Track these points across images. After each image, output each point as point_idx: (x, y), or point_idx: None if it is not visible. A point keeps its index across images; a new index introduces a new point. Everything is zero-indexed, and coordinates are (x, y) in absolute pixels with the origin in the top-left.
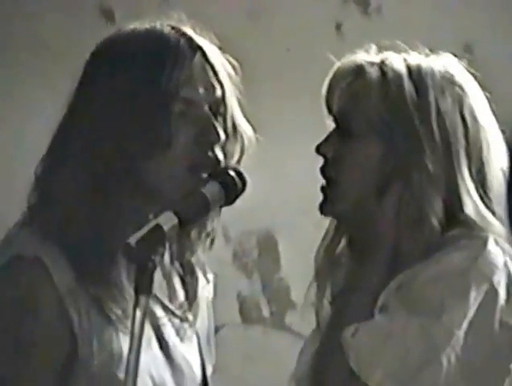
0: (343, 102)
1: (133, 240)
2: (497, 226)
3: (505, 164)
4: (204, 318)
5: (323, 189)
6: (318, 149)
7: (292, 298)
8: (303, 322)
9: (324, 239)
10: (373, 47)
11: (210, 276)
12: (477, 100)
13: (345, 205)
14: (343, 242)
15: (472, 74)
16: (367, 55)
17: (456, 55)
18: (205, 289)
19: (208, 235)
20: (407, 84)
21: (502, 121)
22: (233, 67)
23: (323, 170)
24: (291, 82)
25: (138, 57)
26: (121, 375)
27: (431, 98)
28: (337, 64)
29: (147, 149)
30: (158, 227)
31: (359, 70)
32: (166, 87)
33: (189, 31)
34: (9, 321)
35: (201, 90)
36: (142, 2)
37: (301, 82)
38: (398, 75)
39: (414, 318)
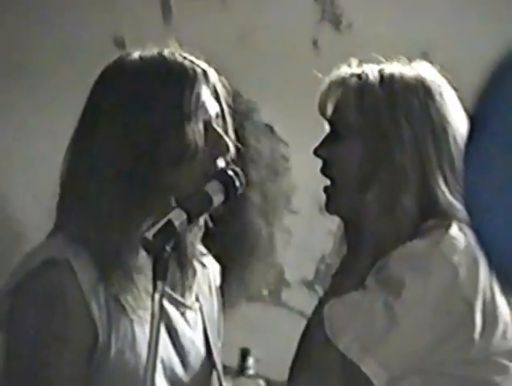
0: (331, 109)
1: (149, 234)
2: (462, 211)
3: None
4: (211, 302)
5: (325, 189)
6: (315, 152)
7: (286, 278)
8: (297, 297)
9: (337, 231)
10: (356, 61)
11: (216, 266)
12: (446, 101)
13: (341, 202)
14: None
15: (446, 78)
16: (350, 69)
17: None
18: (211, 277)
19: (199, 227)
20: (379, 91)
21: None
22: (225, 87)
23: (322, 171)
24: (276, 90)
25: (151, 81)
26: (136, 361)
27: (401, 102)
28: (329, 76)
29: (177, 162)
30: (170, 222)
31: (342, 81)
32: (187, 109)
33: (190, 57)
34: (43, 316)
35: (206, 108)
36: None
37: (285, 89)
38: (371, 84)
39: (380, 293)
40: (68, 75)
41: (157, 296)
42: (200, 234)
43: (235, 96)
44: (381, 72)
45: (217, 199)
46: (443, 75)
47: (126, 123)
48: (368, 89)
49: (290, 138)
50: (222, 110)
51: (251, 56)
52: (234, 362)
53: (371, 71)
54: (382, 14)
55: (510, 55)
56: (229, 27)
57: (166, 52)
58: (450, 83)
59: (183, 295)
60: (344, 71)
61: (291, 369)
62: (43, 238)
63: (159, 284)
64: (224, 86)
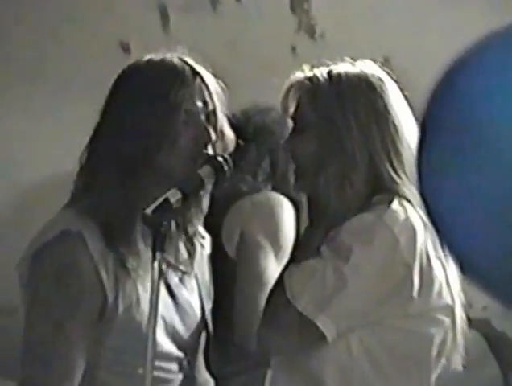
0: (292, 108)
1: (149, 210)
2: (406, 189)
3: (414, 139)
4: (204, 269)
5: (294, 172)
6: (283, 145)
7: None
8: None
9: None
10: (309, 66)
11: (207, 239)
12: (389, 93)
13: (303, 183)
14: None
15: (387, 72)
16: (306, 72)
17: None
18: (204, 249)
19: (201, 210)
20: (328, 90)
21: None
22: (222, 89)
23: (291, 160)
24: (260, 92)
25: (154, 79)
26: (140, 317)
27: (347, 97)
28: (287, 81)
29: (159, 145)
30: (167, 200)
31: (298, 84)
32: (173, 101)
33: (191, 61)
34: (58, 280)
35: (199, 104)
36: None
37: (267, 92)
38: (321, 83)
39: (332, 259)
40: (79, 79)
41: (156, 264)
42: (201, 216)
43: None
44: (329, 73)
45: (208, 181)
46: (387, 73)
47: (126, 116)
48: (319, 89)
49: None
50: (215, 107)
51: (239, 60)
52: None
53: (321, 73)
54: (351, 23)
55: (461, 58)
56: (220, 35)
57: (168, 56)
58: (392, 77)
59: (182, 263)
60: (300, 75)
61: (259, 330)
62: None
63: (158, 254)
64: (218, 86)
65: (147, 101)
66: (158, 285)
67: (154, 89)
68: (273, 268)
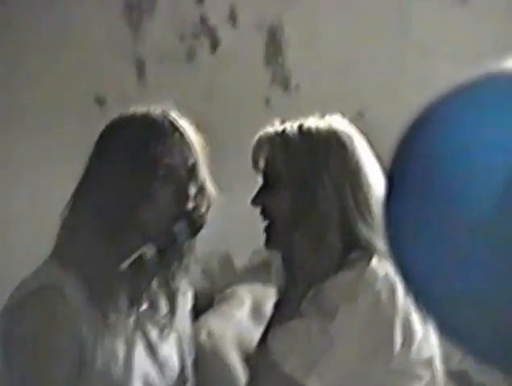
0: (263, 163)
1: (123, 265)
2: (379, 245)
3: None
4: (185, 324)
5: (265, 229)
6: (252, 201)
7: None
8: None
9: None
10: (279, 121)
11: (189, 293)
12: (359, 149)
13: (277, 241)
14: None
15: (357, 129)
16: (276, 127)
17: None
18: (186, 304)
19: (185, 265)
20: (299, 146)
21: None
22: (204, 143)
23: (262, 216)
24: (234, 144)
25: (134, 135)
26: (118, 373)
27: (319, 154)
28: (258, 134)
29: (138, 200)
30: (141, 256)
31: (268, 139)
32: (152, 156)
33: (173, 115)
34: (38, 336)
35: (179, 159)
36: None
37: (241, 143)
38: (292, 138)
39: (316, 319)
40: (54, 131)
41: (132, 318)
42: (185, 271)
43: None
44: (300, 128)
45: (181, 236)
46: (357, 129)
47: (106, 172)
48: (290, 144)
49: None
50: (195, 163)
51: (213, 112)
52: None
53: (291, 128)
54: (325, 77)
55: (425, 111)
56: (195, 86)
57: (150, 111)
58: (362, 134)
59: (162, 318)
60: (270, 129)
61: None
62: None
63: (133, 308)
64: (199, 140)
65: (127, 157)
66: (134, 340)
67: (134, 145)
68: None
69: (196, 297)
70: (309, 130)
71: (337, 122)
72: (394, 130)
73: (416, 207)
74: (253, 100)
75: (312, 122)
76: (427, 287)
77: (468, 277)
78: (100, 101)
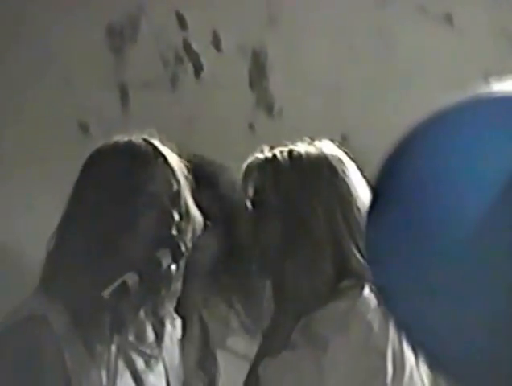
0: (252, 191)
1: (106, 293)
2: None
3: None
4: (174, 352)
5: (256, 257)
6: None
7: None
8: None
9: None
10: (268, 147)
11: (177, 321)
12: (350, 174)
13: (268, 269)
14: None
15: (346, 153)
16: (265, 153)
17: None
18: (174, 332)
19: (173, 292)
20: (290, 173)
21: None
22: (187, 169)
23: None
24: None
25: (116, 163)
26: None
27: (310, 182)
28: (246, 162)
29: (122, 228)
30: (124, 282)
31: (257, 166)
32: (135, 184)
33: (156, 142)
34: (21, 366)
35: (162, 186)
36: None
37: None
38: (283, 166)
39: (308, 350)
40: (36, 160)
41: (113, 347)
42: (173, 299)
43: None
44: (290, 155)
45: (165, 262)
46: (346, 153)
47: (90, 201)
48: (281, 172)
49: None
50: (179, 189)
51: (197, 137)
52: None
53: (281, 154)
54: (309, 101)
55: (412, 131)
56: (178, 112)
57: (133, 138)
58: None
59: (149, 347)
60: (259, 156)
61: None
62: None
63: (115, 337)
64: (183, 166)
65: (110, 186)
66: (116, 368)
67: (117, 173)
68: None
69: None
70: (299, 157)
71: (327, 147)
72: (378, 154)
73: (393, 230)
74: (237, 124)
75: (302, 148)
76: (400, 311)
77: (435, 305)
78: (83, 128)
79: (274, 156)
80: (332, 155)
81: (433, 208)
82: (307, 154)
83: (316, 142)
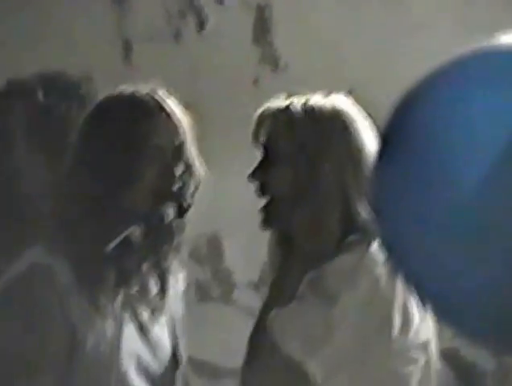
0: (265, 138)
1: (110, 247)
2: None
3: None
4: (178, 305)
5: (263, 208)
6: (252, 175)
7: (235, 281)
8: (245, 297)
9: (270, 239)
10: (285, 95)
11: (180, 274)
12: (360, 125)
13: (276, 220)
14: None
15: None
16: (281, 102)
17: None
18: (177, 285)
19: (177, 246)
20: (304, 123)
21: None
22: (191, 122)
23: (260, 192)
24: (221, 123)
25: (119, 116)
26: (108, 354)
27: (324, 132)
28: (261, 108)
29: (124, 180)
30: (127, 237)
31: (272, 114)
32: (137, 137)
33: (160, 95)
34: (28, 314)
35: (165, 138)
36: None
37: (233, 122)
38: (297, 116)
39: (317, 303)
40: None
41: (118, 300)
42: (177, 252)
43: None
44: (305, 106)
45: (168, 217)
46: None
47: (93, 154)
48: (294, 122)
49: (230, 167)
50: (182, 143)
51: (201, 91)
52: None
53: (296, 104)
54: (314, 55)
55: (420, 82)
56: (182, 65)
57: (137, 91)
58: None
59: (153, 299)
60: (273, 105)
61: (243, 369)
62: None
63: (121, 290)
64: (186, 120)
65: (113, 138)
66: (122, 319)
67: (120, 125)
68: None
69: None
70: (313, 109)
71: (341, 102)
72: (385, 107)
73: (401, 178)
74: (242, 79)
75: (317, 100)
76: (408, 262)
77: (447, 257)
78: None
79: (288, 105)
80: (346, 111)
81: (443, 156)
82: (322, 108)
83: (331, 96)
